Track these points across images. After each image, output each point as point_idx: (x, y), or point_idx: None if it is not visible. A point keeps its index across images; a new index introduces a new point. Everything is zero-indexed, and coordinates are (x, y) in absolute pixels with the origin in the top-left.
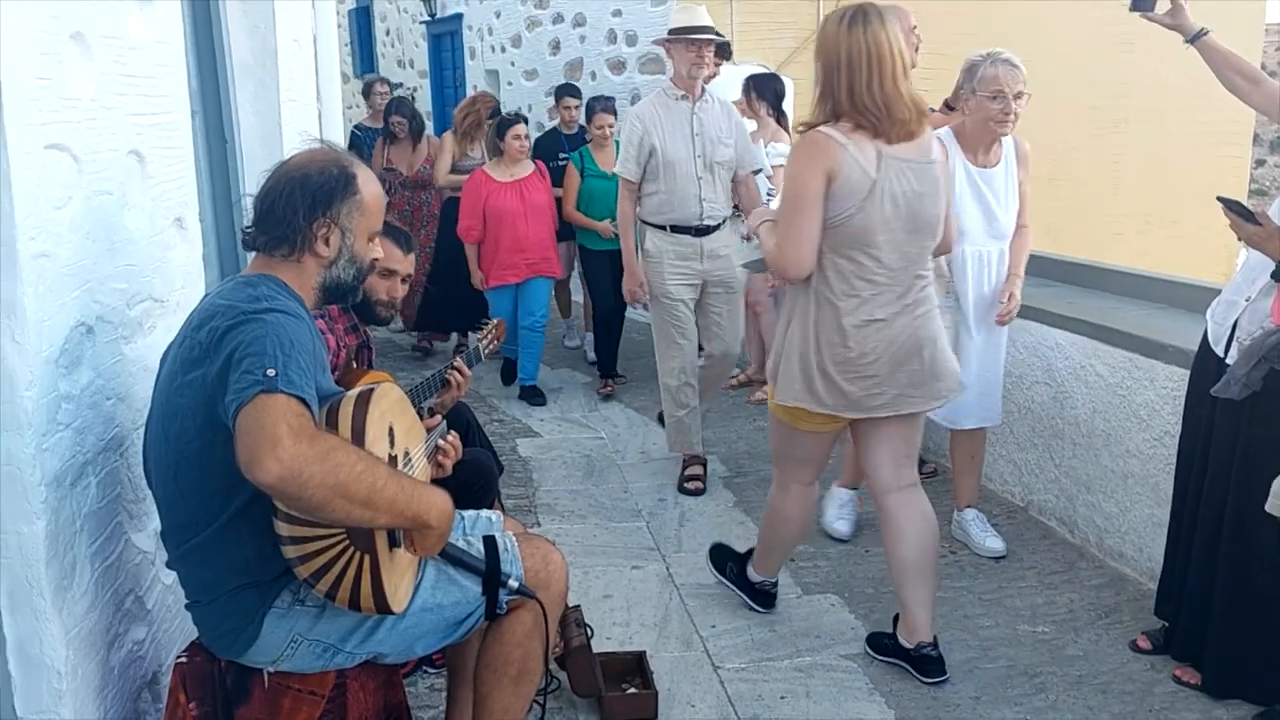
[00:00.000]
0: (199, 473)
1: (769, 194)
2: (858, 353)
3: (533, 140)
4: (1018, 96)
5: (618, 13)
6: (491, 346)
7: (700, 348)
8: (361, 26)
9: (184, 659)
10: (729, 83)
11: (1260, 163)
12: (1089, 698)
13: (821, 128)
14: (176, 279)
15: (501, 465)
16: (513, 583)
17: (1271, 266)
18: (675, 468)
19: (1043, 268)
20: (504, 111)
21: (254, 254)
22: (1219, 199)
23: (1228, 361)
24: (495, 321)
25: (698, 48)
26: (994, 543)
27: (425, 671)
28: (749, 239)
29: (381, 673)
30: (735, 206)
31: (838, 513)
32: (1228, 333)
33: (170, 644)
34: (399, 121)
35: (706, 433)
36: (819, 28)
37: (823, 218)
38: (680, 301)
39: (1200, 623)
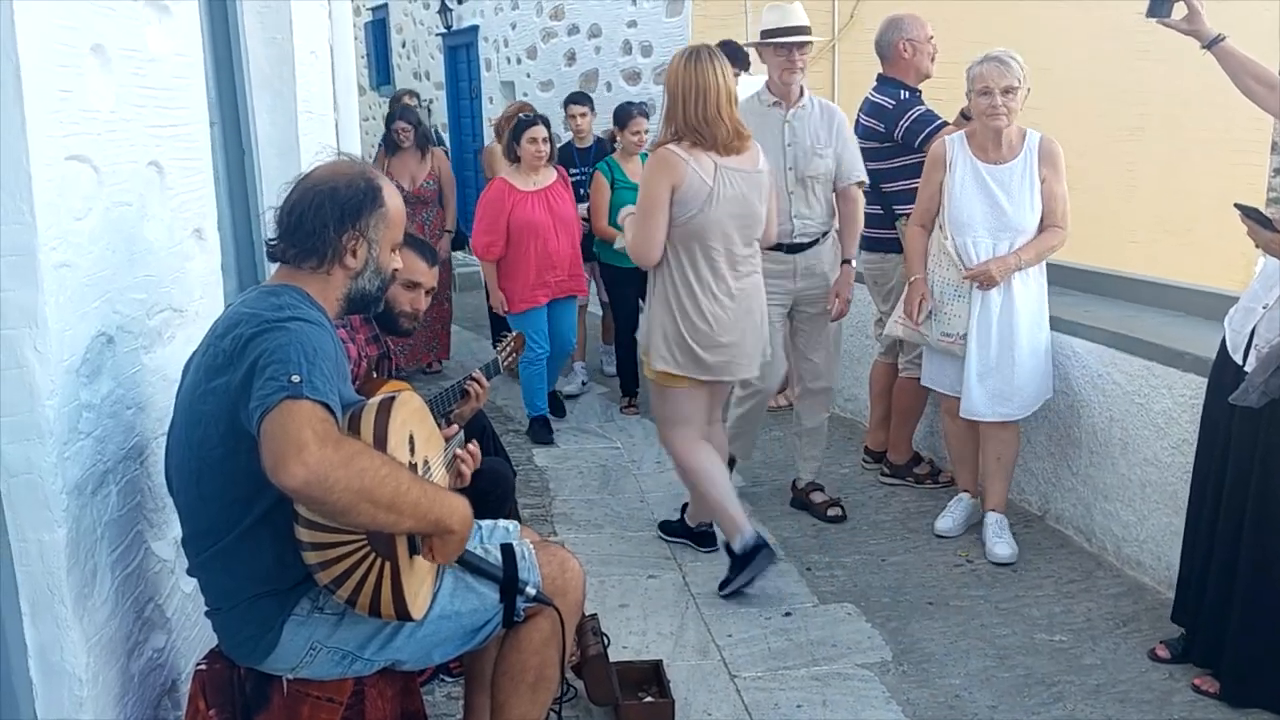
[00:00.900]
0: (221, 480)
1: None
2: (704, 327)
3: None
4: (1006, 91)
5: (633, 23)
6: (510, 359)
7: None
8: (378, 38)
9: (203, 666)
10: (744, 92)
11: (1279, 171)
12: (1107, 707)
13: (669, 145)
14: (195, 289)
15: (515, 472)
16: (530, 590)
17: None
18: None
19: (1059, 276)
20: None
21: (278, 265)
22: (1236, 206)
23: (1246, 369)
24: (514, 334)
25: (788, 51)
26: (1001, 549)
27: (442, 679)
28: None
29: (399, 680)
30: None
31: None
32: (1246, 340)
33: (189, 652)
34: (404, 129)
35: None
36: (682, 62)
37: (670, 218)
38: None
39: (1219, 631)
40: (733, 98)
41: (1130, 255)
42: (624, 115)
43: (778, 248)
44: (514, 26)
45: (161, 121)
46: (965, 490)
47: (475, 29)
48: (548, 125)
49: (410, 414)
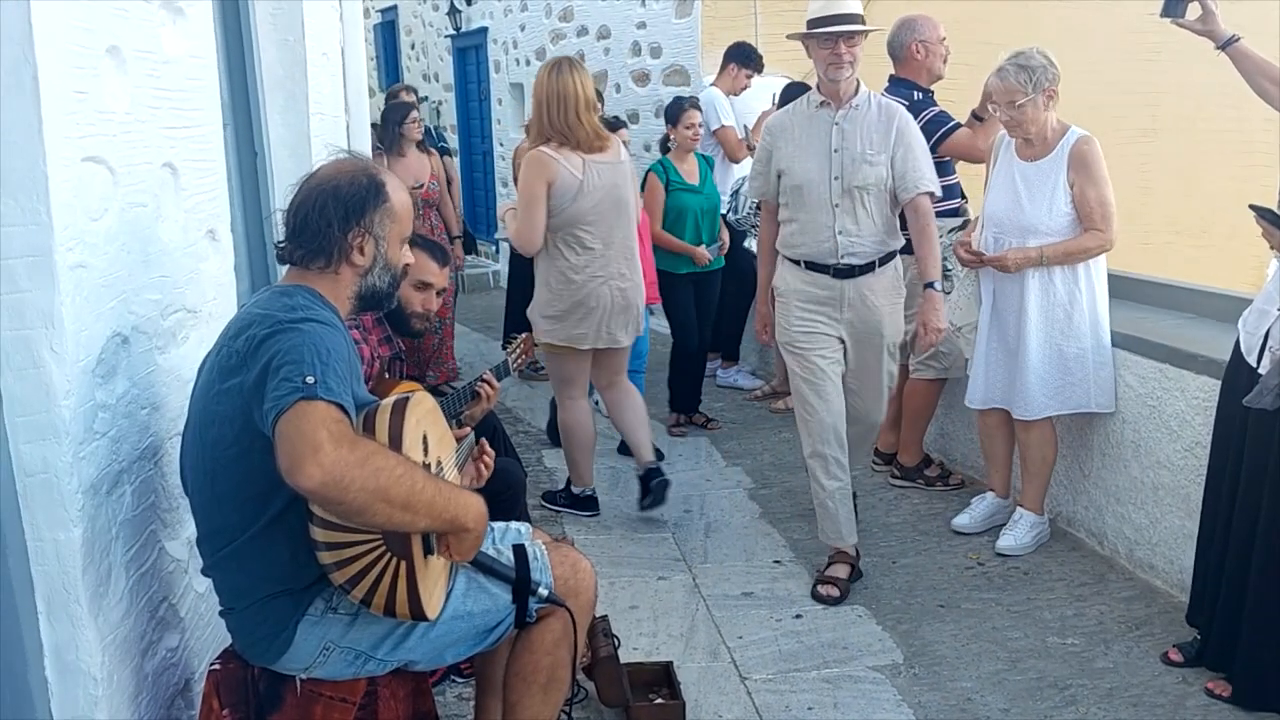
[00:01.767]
0: (235, 479)
1: None
2: (581, 303)
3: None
4: (1011, 104)
5: (642, 25)
6: (520, 361)
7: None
8: (387, 40)
9: (217, 666)
10: (758, 94)
11: None
12: (1120, 710)
13: (542, 147)
14: (209, 290)
15: (526, 473)
16: (542, 591)
17: None
18: (700, 479)
19: None
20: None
21: (287, 267)
22: (1251, 207)
23: (1260, 371)
24: (524, 336)
25: (833, 44)
26: (1005, 540)
27: (453, 680)
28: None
29: (411, 680)
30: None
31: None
32: (1260, 342)
33: (203, 652)
34: (417, 121)
35: (730, 444)
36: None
37: (547, 210)
38: (811, 353)
39: (1233, 634)
40: (590, 104)
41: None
42: (676, 110)
43: (823, 270)
44: (523, 28)
45: (176, 123)
46: (991, 490)
47: (484, 31)
48: (627, 126)
49: (424, 414)
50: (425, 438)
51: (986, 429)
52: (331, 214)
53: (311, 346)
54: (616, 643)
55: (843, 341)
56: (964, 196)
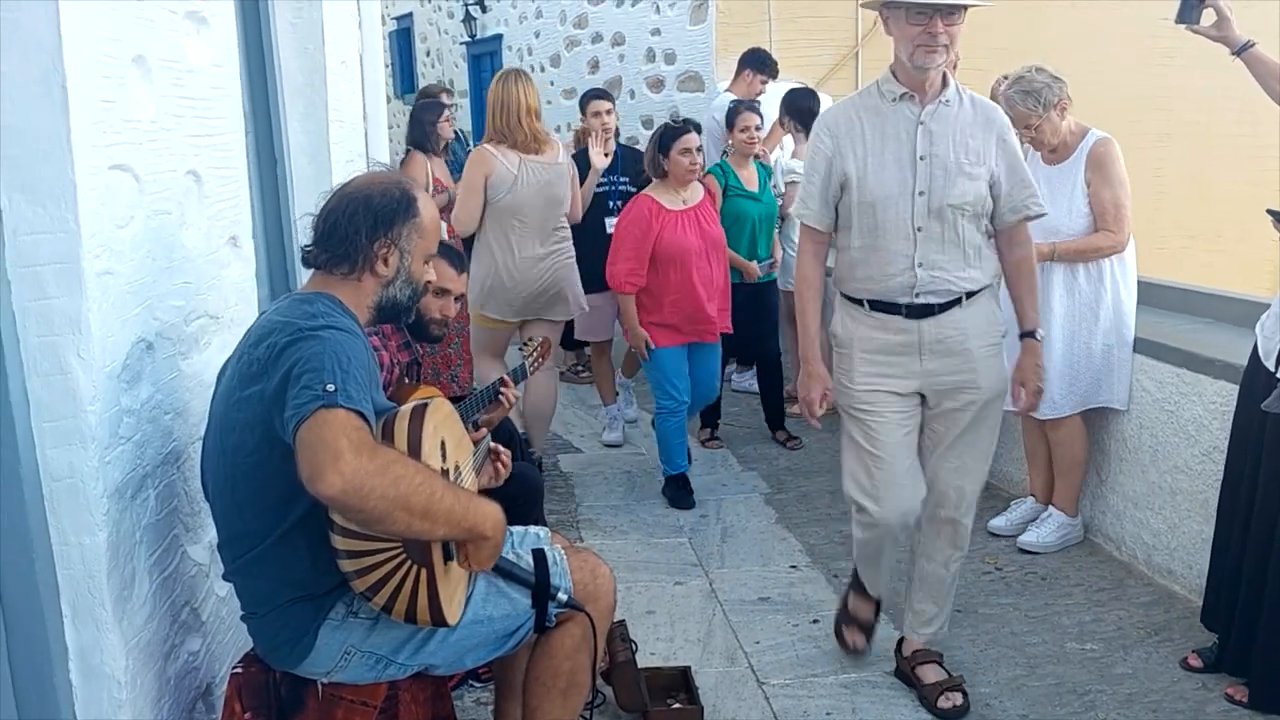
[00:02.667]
0: (256, 486)
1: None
2: (510, 282)
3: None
4: (1028, 129)
5: (656, 31)
6: (536, 365)
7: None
8: (402, 48)
9: (239, 669)
10: (772, 100)
11: None
12: (1140, 716)
13: (485, 145)
14: (231, 296)
15: (543, 478)
16: (562, 595)
17: None
18: (716, 484)
19: None
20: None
21: (312, 271)
22: (1269, 212)
23: (1278, 376)
24: (541, 339)
25: (926, 19)
26: (1027, 536)
27: (471, 685)
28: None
29: (430, 684)
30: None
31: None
32: (1278, 347)
33: (224, 655)
34: (450, 121)
35: (746, 449)
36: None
37: (484, 200)
38: (878, 418)
39: (1251, 639)
40: (531, 111)
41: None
42: (732, 114)
43: (893, 310)
44: (538, 35)
45: (199, 131)
46: (1032, 494)
47: (499, 37)
48: (699, 131)
49: (442, 420)
50: (443, 443)
51: (1025, 429)
52: (360, 222)
53: (332, 354)
54: (634, 647)
55: (923, 398)
56: None
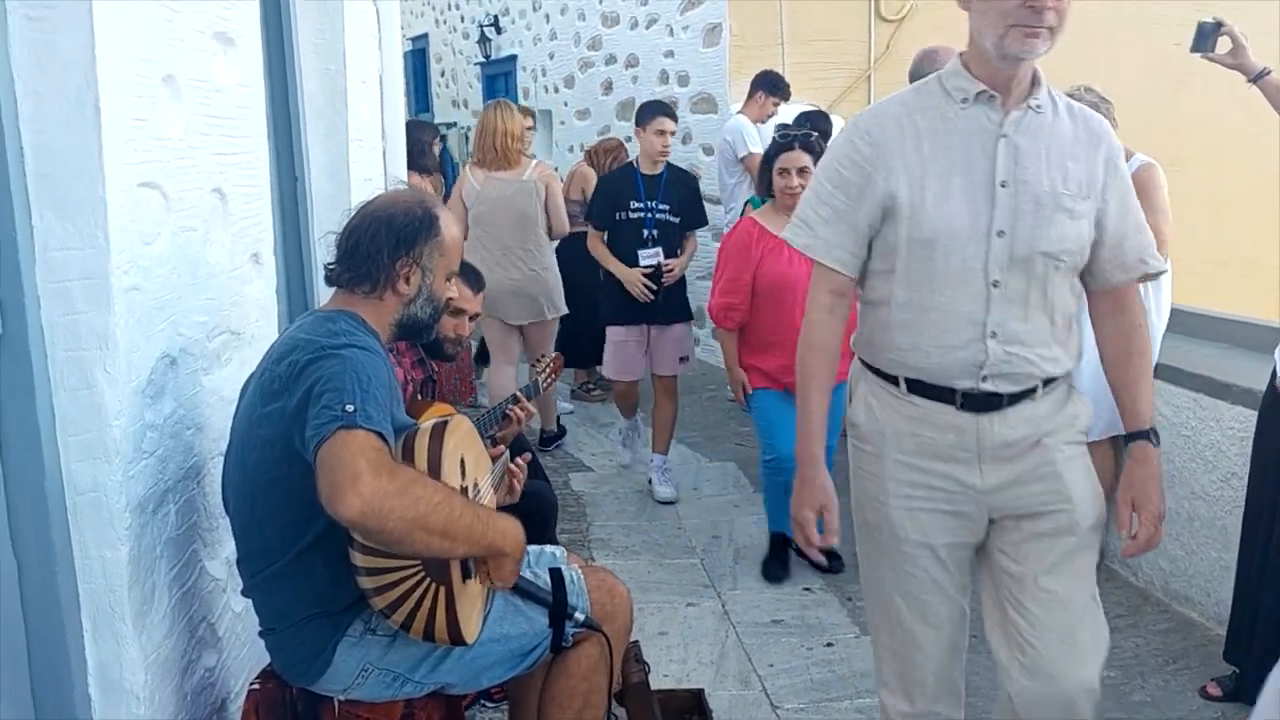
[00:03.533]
0: (276, 502)
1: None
2: (492, 283)
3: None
4: None
5: (669, 53)
6: (549, 382)
7: None
8: (417, 68)
9: (256, 685)
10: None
11: None
12: None
13: (465, 165)
14: (252, 313)
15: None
16: (579, 615)
17: None
18: (729, 506)
19: None
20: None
21: (334, 289)
22: None
23: None
24: (554, 355)
25: None
26: None
27: (483, 705)
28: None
29: (445, 703)
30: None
31: None
32: None
33: (239, 671)
34: (433, 143)
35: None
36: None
37: (466, 211)
38: (923, 549)
39: (1271, 668)
40: (507, 133)
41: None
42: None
43: (943, 397)
44: (552, 56)
45: (225, 149)
46: None
47: (514, 58)
48: (810, 150)
49: (461, 437)
50: (463, 460)
51: None
52: (383, 241)
53: (353, 373)
54: (647, 669)
55: (968, 540)
56: None
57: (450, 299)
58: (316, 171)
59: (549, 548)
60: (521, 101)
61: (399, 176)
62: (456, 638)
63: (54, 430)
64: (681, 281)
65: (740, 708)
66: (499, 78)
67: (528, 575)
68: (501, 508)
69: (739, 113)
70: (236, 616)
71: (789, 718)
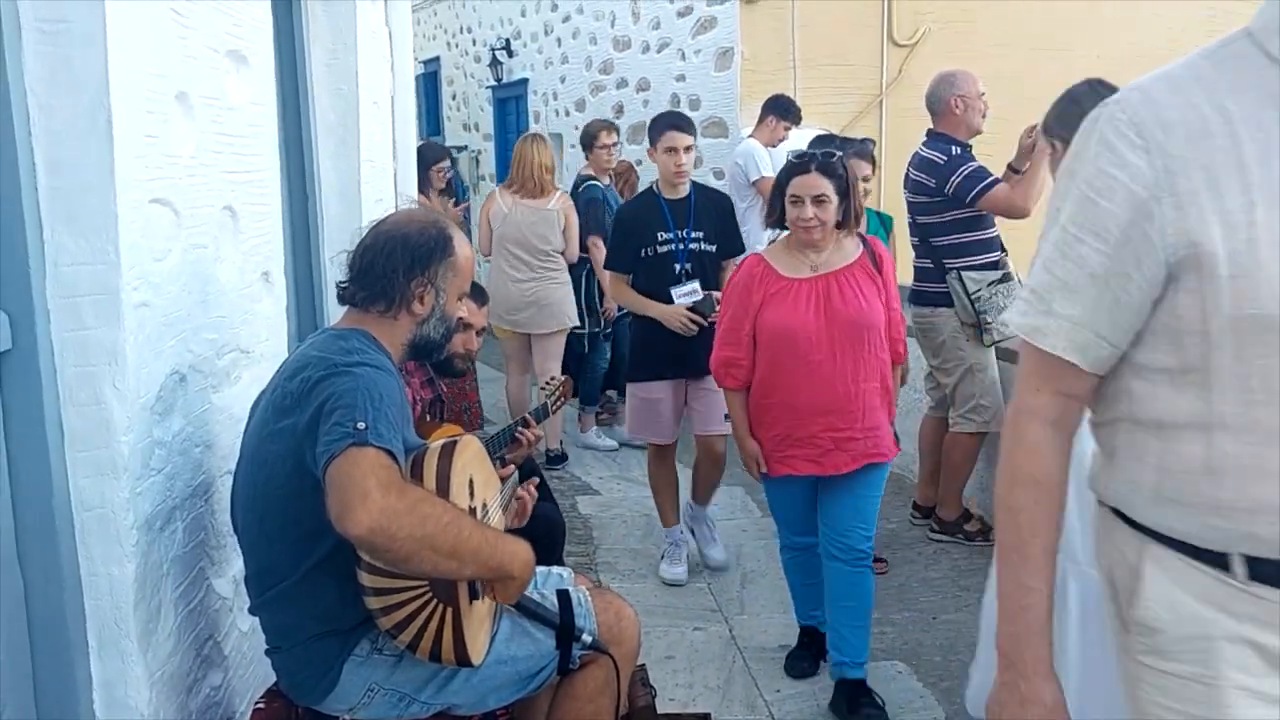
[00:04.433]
0: (286, 519)
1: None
2: (504, 294)
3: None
4: None
5: (681, 78)
6: (559, 404)
7: None
8: (429, 90)
9: (262, 704)
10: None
11: None
12: None
13: (496, 187)
14: (262, 331)
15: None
16: (586, 637)
17: None
18: (737, 531)
19: None
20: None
21: (347, 308)
22: None
23: None
24: (564, 379)
25: None
26: None
27: None
28: None
29: None
30: None
31: None
32: None
33: (244, 690)
34: (440, 171)
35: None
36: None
37: (491, 231)
38: None
39: None
40: (540, 165)
41: None
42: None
43: (1262, 575)
44: (563, 80)
45: (236, 167)
46: None
47: (525, 82)
48: (830, 174)
49: (470, 458)
50: (471, 481)
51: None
52: (398, 261)
53: (365, 391)
54: (653, 692)
55: None
56: (1004, 249)
57: (461, 318)
58: (327, 190)
59: (555, 569)
60: (533, 126)
61: (410, 195)
62: (463, 659)
63: (62, 446)
64: None
65: None
66: (510, 101)
67: (535, 597)
68: (509, 530)
69: (750, 137)
70: (243, 635)
71: None
